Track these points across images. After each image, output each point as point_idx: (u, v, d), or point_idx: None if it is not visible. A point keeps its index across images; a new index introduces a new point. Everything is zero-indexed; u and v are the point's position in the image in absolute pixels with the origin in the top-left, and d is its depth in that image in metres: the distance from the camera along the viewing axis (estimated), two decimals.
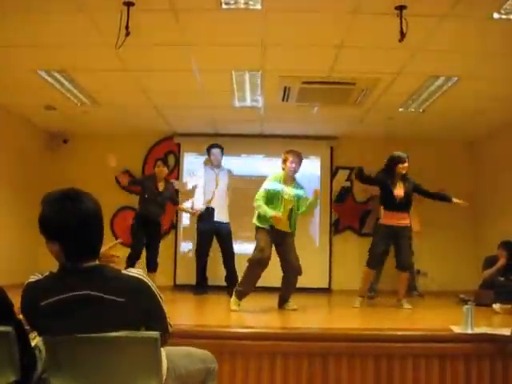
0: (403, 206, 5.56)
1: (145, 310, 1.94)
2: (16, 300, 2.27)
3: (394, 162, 5.55)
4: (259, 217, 5.18)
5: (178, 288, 7.70)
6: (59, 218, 1.88)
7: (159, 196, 6.58)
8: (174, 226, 8.22)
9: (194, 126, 7.91)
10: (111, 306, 1.86)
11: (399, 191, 5.53)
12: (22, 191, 7.47)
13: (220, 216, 6.89)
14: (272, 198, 5.13)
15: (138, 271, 1.97)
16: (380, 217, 5.85)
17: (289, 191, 5.19)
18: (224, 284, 6.80)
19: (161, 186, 6.61)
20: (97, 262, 1.97)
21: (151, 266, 6.49)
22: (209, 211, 6.88)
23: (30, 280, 1.95)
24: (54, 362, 1.88)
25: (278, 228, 5.15)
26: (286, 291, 5.32)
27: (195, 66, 5.33)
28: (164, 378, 2.04)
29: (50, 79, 5.68)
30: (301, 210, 5.23)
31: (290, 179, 5.27)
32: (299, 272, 5.22)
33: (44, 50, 4.93)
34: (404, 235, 5.59)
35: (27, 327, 2.34)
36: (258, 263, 5.01)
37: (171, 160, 8.34)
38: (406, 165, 5.51)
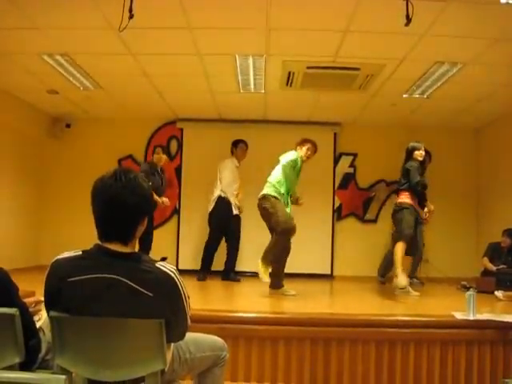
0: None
1: (169, 309, 1.91)
2: (19, 284, 2.27)
3: (410, 150, 5.79)
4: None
5: (181, 273, 7.67)
6: (100, 190, 1.90)
7: (162, 186, 6.60)
8: (176, 211, 8.22)
9: (197, 111, 7.87)
10: (139, 298, 1.83)
11: None
12: (25, 176, 7.46)
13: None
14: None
15: (171, 267, 1.95)
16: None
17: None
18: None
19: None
20: (133, 250, 1.95)
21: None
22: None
23: (60, 256, 1.92)
24: (60, 343, 1.88)
25: None
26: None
27: (198, 50, 5.29)
28: (169, 363, 2.03)
29: (52, 63, 5.64)
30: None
31: None
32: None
33: (47, 33, 4.88)
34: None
35: (31, 309, 2.36)
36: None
37: (174, 145, 8.33)
38: (421, 152, 5.74)
